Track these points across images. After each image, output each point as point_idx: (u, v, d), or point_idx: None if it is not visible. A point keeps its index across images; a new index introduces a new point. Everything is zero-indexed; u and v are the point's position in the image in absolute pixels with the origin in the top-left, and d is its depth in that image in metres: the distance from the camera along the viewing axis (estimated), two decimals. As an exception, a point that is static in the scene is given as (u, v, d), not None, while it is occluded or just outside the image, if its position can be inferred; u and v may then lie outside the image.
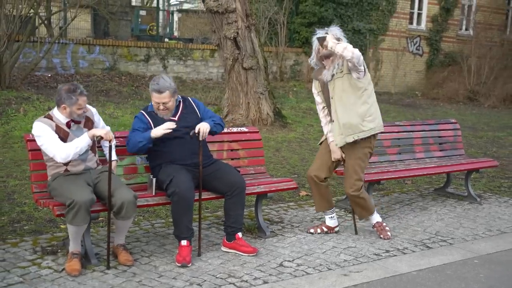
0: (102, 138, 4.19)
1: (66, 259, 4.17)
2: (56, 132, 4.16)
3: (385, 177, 5.89)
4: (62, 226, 5.01)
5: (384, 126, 6.59)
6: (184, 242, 4.40)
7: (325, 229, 5.16)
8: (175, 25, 23.55)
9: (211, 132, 4.67)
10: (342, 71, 4.78)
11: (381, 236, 5.13)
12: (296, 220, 5.66)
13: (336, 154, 4.99)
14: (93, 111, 4.48)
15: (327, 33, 4.78)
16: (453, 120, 7.25)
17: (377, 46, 18.83)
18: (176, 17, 24.09)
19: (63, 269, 4.09)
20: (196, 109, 4.80)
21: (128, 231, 4.85)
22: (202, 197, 4.64)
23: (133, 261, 4.30)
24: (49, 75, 13.02)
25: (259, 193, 5.08)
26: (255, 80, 10.29)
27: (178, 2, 29.64)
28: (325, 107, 5.00)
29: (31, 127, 8.56)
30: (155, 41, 15.79)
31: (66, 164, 4.21)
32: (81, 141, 4.19)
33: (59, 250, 4.45)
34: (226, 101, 10.86)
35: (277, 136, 10.00)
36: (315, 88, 5.05)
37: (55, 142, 4.12)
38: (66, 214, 3.98)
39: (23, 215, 5.29)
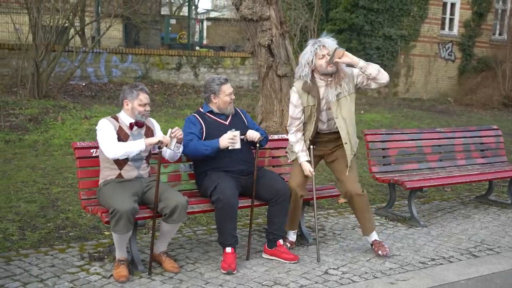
0: (162, 142, 4.24)
1: (114, 266, 4.22)
2: (118, 132, 4.28)
3: (427, 184, 5.84)
4: (106, 233, 5.08)
5: (424, 132, 6.61)
6: (228, 249, 4.42)
7: (289, 245, 4.91)
8: (204, 33, 23.74)
9: (260, 143, 4.63)
10: (349, 90, 4.68)
11: (380, 252, 4.77)
12: (338, 227, 5.64)
13: (309, 170, 4.72)
14: (153, 122, 4.59)
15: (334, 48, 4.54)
16: (494, 127, 7.15)
17: (409, 52, 18.69)
18: (205, 25, 24.29)
19: (111, 275, 4.14)
20: (244, 118, 4.86)
21: (171, 238, 4.90)
22: (244, 205, 4.67)
23: (179, 268, 4.33)
24: (83, 84, 13.24)
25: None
26: (289, 87, 10.27)
27: (205, 11, 29.89)
28: (301, 124, 4.73)
29: (70, 136, 8.79)
30: (186, 50, 15.94)
31: (120, 167, 4.29)
32: (135, 145, 4.25)
33: (106, 257, 4.51)
34: (260, 109, 10.87)
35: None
36: (300, 103, 4.67)
37: (110, 138, 4.22)
38: (109, 221, 4.05)
39: (68, 221, 5.37)
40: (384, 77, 4.57)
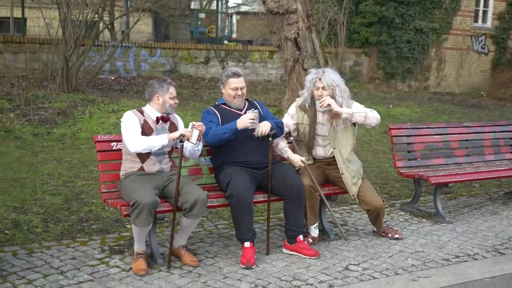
0: (184, 136, 4.24)
1: (133, 259, 4.24)
2: (142, 126, 4.30)
3: (453, 180, 5.72)
4: (128, 226, 5.11)
5: (452, 127, 6.49)
6: (247, 244, 4.40)
7: (311, 241, 4.88)
8: (233, 27, 23.74)
9: (271, 135, 4.63)
10: (346, 123, 4.82)
11: (395, 236, 5.06)
12: (361, 223, 5.57)
13: (300, 160, 4.77)
14: (177, 118, 4.61)
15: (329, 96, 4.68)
16: (525, 121, 6.96)
17: (440, 45, 18.35)
18: (234, 19, 24.28)
19: (130, 269, 4.17)
20: (260, 109, 4.82)
21: (192, 232, 4.90)
22: (259, 200, 4.65)
23: (198, 262, 4.33)
24: (112, 78, 13.33)
25: (327, 195, 4.98)
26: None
27: (236, 5, 29.87)
28: (284, 140, 4.89)
29: (97, 129, 8.87)
30: (214, 44, 15.95)
31: (142, 160, 4.31)
32: (158, 139, 4.27)
33: (126, 250, 4.54)
34: (286, 103, 10.77)
35: (337, 138, 9.87)
36: (295, 115, 4.92)
37: (134, 132, 4.24)
38: (130, 213, 4.06)
39: (91, 214, 5.43)
40: (371, 121, 4.79)
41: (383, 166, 8.16)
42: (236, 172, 4.50)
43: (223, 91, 4.77)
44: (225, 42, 17.87)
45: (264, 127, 4.55)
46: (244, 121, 4.49)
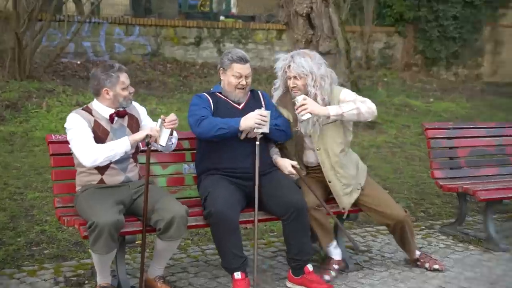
0: (151, 137, 4.22)
1: (95, 294, 4.22)
2: (94, 129, 4.25)
3: (509, 195, 5.69)
4: (90, 251, 5.07)
5: (507, 127, 6.45)
6: (237, 275, 4.38)
7: (336, 267, 4.85)
8: (232, 0, 23.73)
9: (270, 137, 4.62)
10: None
11: (434, 266, 5.02)
12: (389, 249, 5.53)
13: (288, 166, 4.75)
14: (137, 108, 4.57)
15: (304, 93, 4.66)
16: None
17: (497, 22, 18.31)
18: (234, -11, 24.28)
19: (91, 306, 4.14)
20: (264, 104, 4.81)
21: (171, 258, 4.87)
22: (251, 219, 4.60)
23: (177, 298, 4.31)
24: (78, 62, 13.37)
25: (337, 213, 4.96)
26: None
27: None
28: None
29: (56, 127, 8.86)
30: (208, 20, 15.95)
31: (101, 172, 4.28)
32: (119, 145, 4.22)
33: (86, 281, 4.50)
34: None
35: (362, 140, 9.89)
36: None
37: (86, 140, 4.19)
38: (88, 237, 4.03)
39: (44, 236, 5.40)
40: (365, 116, 4.71)
41: (419, 177, 8.11)
42: (217, 184, 4.48)
43: (222, 78, 4.75)
44: (222, 18, 17.86)
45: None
46: (251, 120, 4.46)
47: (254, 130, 4.47)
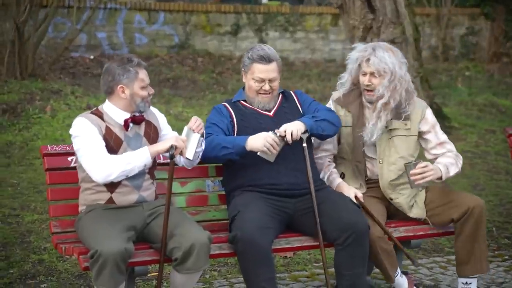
0: (176, 148, 4.25)
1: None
2: (105, 137, 4.29)
3: None
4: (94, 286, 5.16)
5: None
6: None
7: None
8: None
9: (313, 135, 4.63)
10: (407, 125, 4.86)
11: None
12: (461, 284, 5.49)
13: (355, 193, 4.81)
14: (156, 114, 4.61)
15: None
16: None
17: None
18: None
19: None
20: (299, 104, 4.85)
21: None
22: (286, 246, 4.65)
23: None
24: (91, 57, 13.51)
25: (400, 238, 4.94)
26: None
27: None
28: (331, 161, 5.01)
29: (62, 135, 8.98)
30: (247, 3, 15.97)
31: (111, 189, 4.33)
32: (137, 157, 4.25)
33: (90, 322, 4.59)
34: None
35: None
36: None
37: (97, 150, 4.21)
38: (90, 269, 4.06)
39: (41, 266, 5.47)
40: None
41: (504, 195, 8.05)
42: (249, 203, 4.50)
43: (244, 80, 4.81)
44: (264, 0, 17.92)
45: (290, 128, 4.50)
46: (259, 141, 4.46)
47: (258, 153, 4.45)
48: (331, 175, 4.90)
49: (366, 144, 4.88)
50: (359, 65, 4.80)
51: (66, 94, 10.56)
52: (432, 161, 4.90)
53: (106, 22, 14.10)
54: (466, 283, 4.83)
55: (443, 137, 4.97)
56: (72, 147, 4.55)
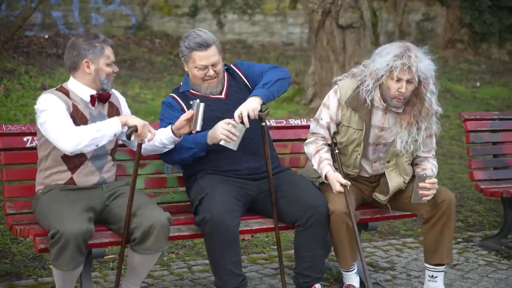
0: (136, 130, 4.21)
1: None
2: (72, 115, 4.25)
3: None
4: (51, 267, 5.10)
5: None
6: (232, 298, 4.42)
7: None
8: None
9: (262, 117, 4.52)
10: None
11: None
12: (416, 266, 5.55)
13: (341, 184, 4.66)
14: (118, 96, 4.60)
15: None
16: None
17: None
18: None
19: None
20: (244, 77, 4.82)
21: (149, 275, 4.91)
22: (251, 228, 4.66)
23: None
24: (46, 37, 13.36)
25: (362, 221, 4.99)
26: (357, 44, 10.25)
27: None
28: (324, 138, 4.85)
29: (16, 115, 8.89)
30: (206, -15, 15.93)
31: (72, 169, 4.29)
32: (107, 125, 4.20)
33: (45, 304, 4.56)
34: (311, 78, 10.83)
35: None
36: (337, 111, 4.78)
37: (66, 122, 4.17)
38: (49, 249, 4.02)
39: (-6, 249, 5.45)
40: None
41: (458, 178, 8.15)
42: (215, 185, 4.49)
43: (186, 69, 4.74)
44: (223, -18, 17.89)
45: (245, 110, 4.43)
46: (217, 133, 4.40)
47: (221, 143, 4.40)
48: (321, 162, 4.72)
49: (371, 145, 4.78)
50: (390, 71, 4.50)
51: (20, 74, 10.47)
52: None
53: (61, 1, 13.94)
54: (432, 276, 4.82)
55: (434, 141, 4.92)
56: (28, 127, 4.54)
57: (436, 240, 4.77)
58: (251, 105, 4.46)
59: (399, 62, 4.45)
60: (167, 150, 4.55)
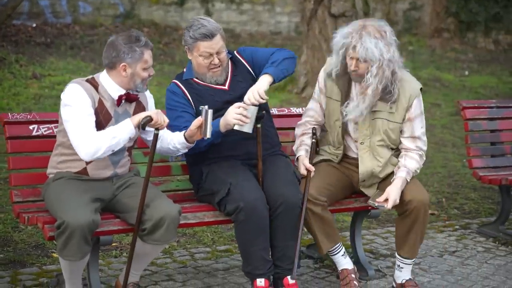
0: (151, 120, 4.17)
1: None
2: (96, 111, 4.21)
3: None
4: (54, 255, 5.13)
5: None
6: (260, 282, 4.45)
7: (352, 275, 4.80)
8: None
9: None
10: (392, 109, 4.76)
11: None
12: (416, 253, 5.59)
13: (306, 167, 4.78)
14: (147, 95, 4.55)
15: None
16: None
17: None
18: None
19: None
20: (248, 65, 4.82)
21: (152, 263, 4.96)
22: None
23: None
24: (34, 25, 13.29)
25: (356, 209, 5.04)
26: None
27: None
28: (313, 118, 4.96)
29: (8, 104, 8.86)
30: (194, -27, 15.90)
31: (87, 161, 4.25)
32: (120, 130, 4.15)
33: (51, 292, 4.54)
34: (303, 67, 10.84)
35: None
36: (324, 88, 4.91)
37: (87, 126, 4.12)
38: (55, 239, 4.03)
39: (-3, 237, 5.44)
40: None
41: (452, 166, 8.19)
42: (236, 173, 4.51)
43: (189, 58, 4.72)
44: (210, -30, 17.85)
45: (256, 89, 4.46)
46: (229, 118, 4.41)
47: (235, 128, 4.41)
48: (300, 145, 4.87)
49: (349, 124, 4.82)
50: (346, 50, 4.61)
51: (10, 63, 10.43)
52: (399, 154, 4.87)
53: (49, -11, 13.91)
54: (399, 266, 4.83)
55: (419, 132, 4.81)
56: (33, 115, 4.53)
57: (402, 235, 4.80)
58: (260, 86, 4.49)
59: (346, 40, 4.60)
60: (180, 154, 4.57)
